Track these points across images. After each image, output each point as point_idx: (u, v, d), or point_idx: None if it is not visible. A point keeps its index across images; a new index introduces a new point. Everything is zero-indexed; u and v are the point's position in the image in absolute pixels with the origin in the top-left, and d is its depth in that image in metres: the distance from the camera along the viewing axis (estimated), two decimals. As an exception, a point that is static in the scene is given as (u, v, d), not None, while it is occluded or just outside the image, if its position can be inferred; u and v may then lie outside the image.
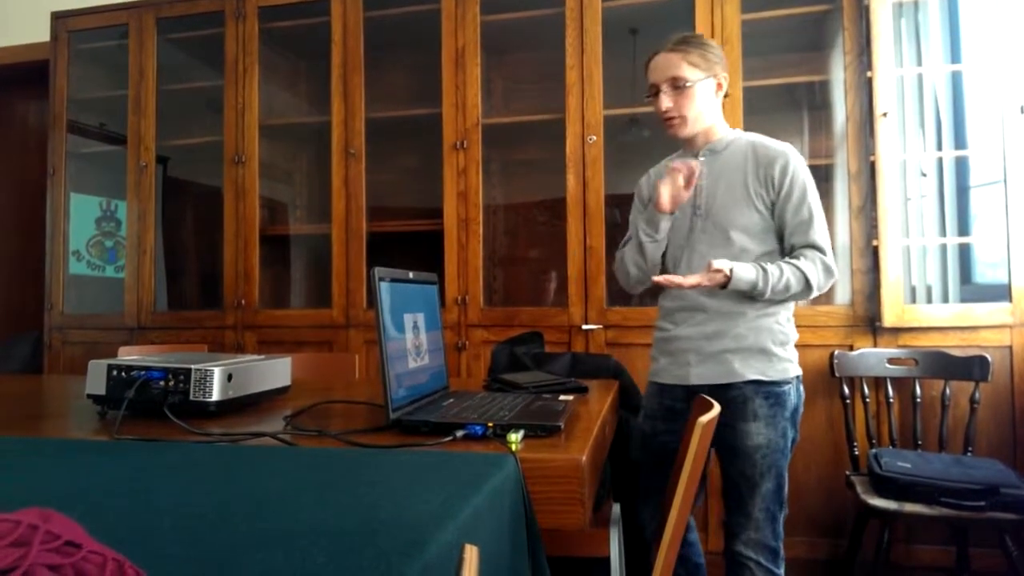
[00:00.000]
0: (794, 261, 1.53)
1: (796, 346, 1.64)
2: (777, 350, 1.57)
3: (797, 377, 1.60)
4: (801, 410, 1.61)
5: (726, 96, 1.68)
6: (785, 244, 1.60)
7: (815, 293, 1.54)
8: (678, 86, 1.58)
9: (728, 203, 1.59)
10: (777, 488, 1.56)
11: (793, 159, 1.57)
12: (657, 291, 1.73)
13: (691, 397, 1.47)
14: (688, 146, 1.70)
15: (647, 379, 1.75)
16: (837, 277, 1.58)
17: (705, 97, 1.60)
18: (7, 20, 3.55)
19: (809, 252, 1.54)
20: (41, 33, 3.30)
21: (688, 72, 1.57)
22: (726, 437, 1.57)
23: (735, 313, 1.57)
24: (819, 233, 1.55)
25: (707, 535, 2.37)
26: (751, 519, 1.56)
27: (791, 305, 1.63)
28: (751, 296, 1.54)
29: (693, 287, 1.50)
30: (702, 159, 1.65)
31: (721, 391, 1.55)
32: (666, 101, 1.60)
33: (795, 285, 1.51)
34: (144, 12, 3.05)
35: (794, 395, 1.58)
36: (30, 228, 3.64)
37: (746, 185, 1.58)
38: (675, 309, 1.67)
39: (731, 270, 1.48)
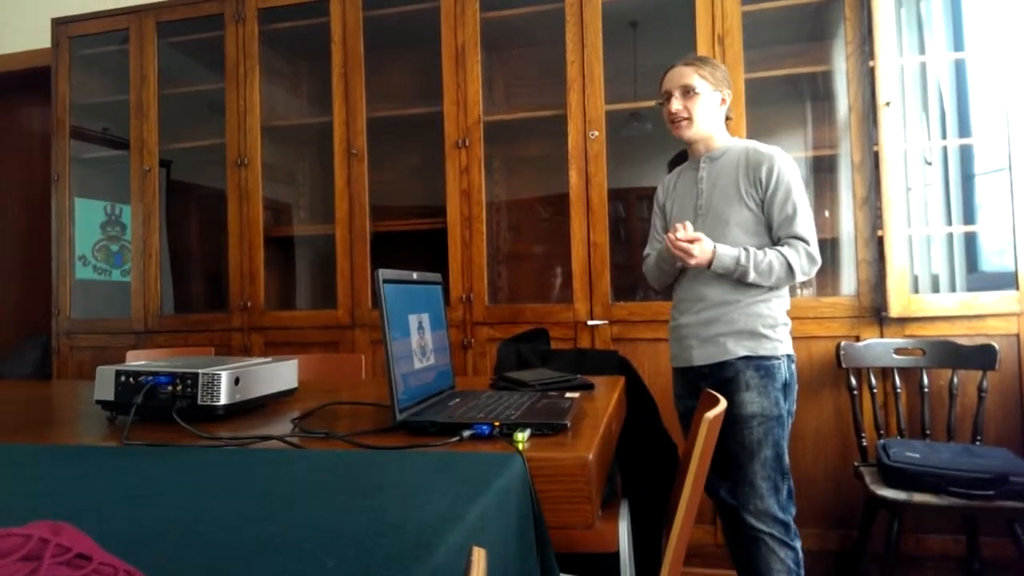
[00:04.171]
0: (778, 248, 1.73)
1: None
2: (766, 332, 1.75)
3: (787, 356, 1.77)
4: (795, 388, 1.79)
5: (728, 119, 1.90)
6: (773, 237, 1.78)
7: (799, 278, 1.72)
8: (688, 92, 1.81)
9: (723, 202, 1.80)
10: (776, 457, 1.72)
11: (779, 161, 1.76)
12: (668, 287, 1.93)
13: (698, 377, 1.81)
14: (692, 153, 1.91)
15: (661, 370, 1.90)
16: (820, 264, 1.74)
17: (710, 107, 1.83)
18: (8, 27, 3.56)
19: (794, 242, 1.72)
20: (42, 39, 3.32)
21: (698, 82, 1.80)
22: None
23: (730, 301, 1.77)
24: (803, 226, 1.73)
25: (715, 528, 2.37)
26: (754, 487, 1.72)
27: (784, 295, 1.81)
28: (737, 277, 1.72)
29: (688, 242, 1.68)
30: (703, 170, 1.86)
31: (718, 370, 1.77)
32: (676, 104, 1.82)
33: (778, 268, 1.70)
34: (144, 16, 3.06)
35: (785, 370, 1.76)
36: (36, 234, 3.66)
37: (738, 185, 1.79)
38: (681, 299, 1.88)
39: (715, 248, 1.69)
